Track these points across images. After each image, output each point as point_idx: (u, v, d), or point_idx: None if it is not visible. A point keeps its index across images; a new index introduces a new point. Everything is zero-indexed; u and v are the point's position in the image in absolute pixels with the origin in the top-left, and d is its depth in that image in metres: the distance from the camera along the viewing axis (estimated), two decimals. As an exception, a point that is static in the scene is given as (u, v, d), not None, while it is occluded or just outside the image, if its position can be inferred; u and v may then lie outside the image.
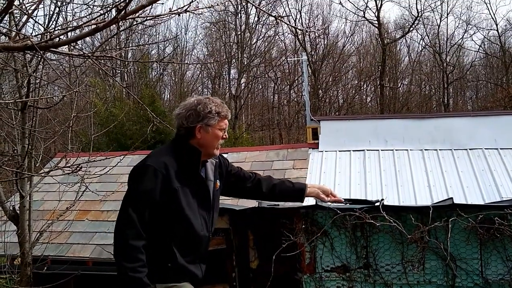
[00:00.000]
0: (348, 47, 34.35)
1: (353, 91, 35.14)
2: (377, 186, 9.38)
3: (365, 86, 35.93)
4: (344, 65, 33.94)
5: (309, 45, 31.65)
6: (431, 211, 3.07)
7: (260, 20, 30.51)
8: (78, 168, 4.63)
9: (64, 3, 4.74)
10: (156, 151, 3.01)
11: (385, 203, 3.37)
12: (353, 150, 10.39)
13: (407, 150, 10.20)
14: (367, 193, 9.17)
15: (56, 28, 3.22)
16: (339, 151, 10.44)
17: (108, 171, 8.57)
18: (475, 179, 9.25)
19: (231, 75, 32.18)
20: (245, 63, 29.84)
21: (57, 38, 1.80)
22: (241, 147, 12.99)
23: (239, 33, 30.66)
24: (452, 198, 3.03)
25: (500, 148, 9.89)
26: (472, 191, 8.94)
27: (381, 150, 10.29)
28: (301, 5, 32.90)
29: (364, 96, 36.71)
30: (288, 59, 30.82)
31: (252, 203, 4.02)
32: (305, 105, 11.86)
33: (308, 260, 3.43)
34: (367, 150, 10.34)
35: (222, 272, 4.14)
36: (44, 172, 7.28)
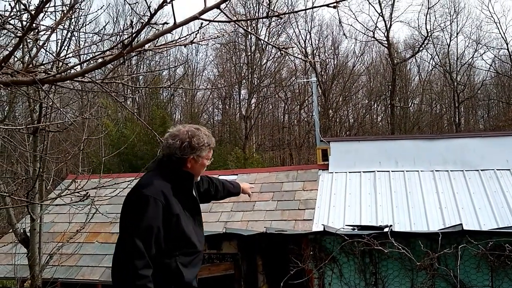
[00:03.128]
0: (358, 67, 34.41)
1: (364, 111, 35.11)
2: (387, 207, 9.30)
3: (375, 106, 35.90)
4: (354, 84, 33.95)
5: (319, 65, 31.76)
6: (440, 238, 3.03)
7: (270, 40, 30.71)
8: (86, 196, 4.64)
9: (75, 31, 4.81)
10: (147, 179, 3.06)
11: (394, 228, 3.35)
12: (363, 171, 10.35)
13: (418, 171, 10.13)
14: (378, 214, 9.10)
15: (67, 56, 3.27)
16: (349, 172, 10.40)
17: (118, 193, 8.58)
18: (487, 201, 9.14)
19: (241, 96, 32.36)
20: (255, 84, 29.99)
21: (64, 73, 1.84)
22: (251, 169, 13.00)
23: (249, 53, 30.88)
24: (461, 224, 2.99)
25: (513, 169, 9.79)
26: (485, 213, 8.82)
27: (392, 171, 10.23)
28: (311, 26, 33.08)
29: (374, 116, 36.63)
30: (297, 81, 30.90)
31: (259, 228, 3.99)
32: (315, 126, 11.86)
33: (317, 287, 3.38)
34: (378, 171, 10.29)
35: (231, 297, 4.10)
36: (53, 197, 7.31)
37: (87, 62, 2.00)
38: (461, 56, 32.76)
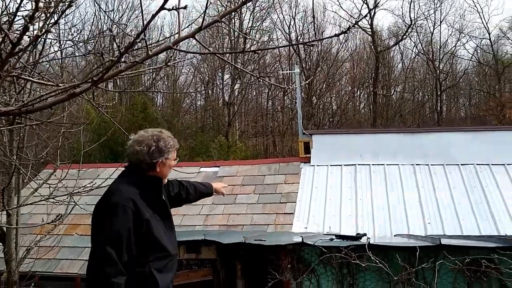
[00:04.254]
0: (342, 54, 34.41)
1: (347, 98, 35.18)
2: (367, 201, 9.34)
3: (358, 93, 36.00)
4: (337, 71, 33.96)
5: (302, 51, 31.63)
6: (417, 253, 3.03)
7: (254, 26, 30.52)
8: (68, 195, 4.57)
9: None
10: (116, 186, 3.06)
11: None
12: (345, 165, 10.37)
13: (398, 165, 10.19)
14: (358, 209, 9.14)
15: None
16: (331, 165, 10.42)
17: (100, 184, 8.40)
18: (467, 196, 9.23)
19: (224, 81, 32.16)
20: (239, 69, 29.80)
21: (32, 105, 1.78)
22: (233, 161, 12.95)
23: (232, 38, 30.63)
24: (439, 238, 2.99)
25: (492, 164, 9.89)
26: (464, 208, 8.92)
27: (372, 164, 10.28)
28: (295, 12, 32.91)
29: (357, 103, 36.76)
30: (281, 72, 30.77)
31: (238, 238, 3.97)
32: (298, 119, 11.84)
33: (295, 297, 3.37)
34: (358, 164, 10.32)
35: (209, 303, 4.09)
36: (31, 192, 7.19)
37: (55, 93, 1.93)
38: (444, 45, 33.01)
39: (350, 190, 9.67)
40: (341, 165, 10.39)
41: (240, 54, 29.96)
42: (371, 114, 31.98)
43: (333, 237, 3.48)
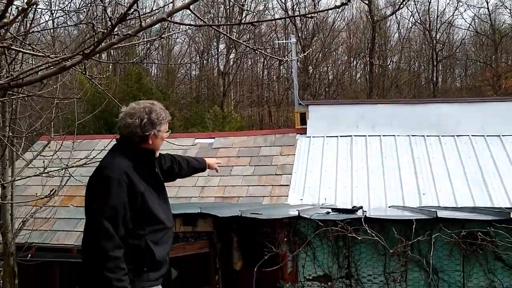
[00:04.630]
0: (338, 23, 34.03)
1: (343, 68, 34.96)
2: (363, 172, 9.37)
3: (354, 63, 35.76)
4: (334, 41, 33.64)
5: (298, 21, 31.25)
6: (414, 226, 3.03)
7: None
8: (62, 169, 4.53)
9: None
10: (109, 160, 3.04)
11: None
12: (340, 136, 10.36)
13: (394, 136, 10.18)
14: (353, 180, 9.17)
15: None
16: (327, 136, 10.40)
17: (95, 155, 8.30)
18: (461, 166, 9.27)
19: (219, 51, 31.83)
20: (235, 41, 29.49)
21: (21, 79, 1.72)
22: (228, 132, 12.90)
23: (227, 7, 30.20)
24: (436, 211, 2.99)
25: (487, 135, 9.90)
26: (458, 179, 8.96)
27: (368, 135, 10.26)
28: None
29: (353, 73, 36.55)
30: (276, 41, 30.42)
31: (234, 212, 3.96)
32: (294, 90, 11.75)
33: (290, 269, 3.40)
34: (354, 136, 10.31)
35: (206, 275, 4.11)
36: (25, 163, 7.16)
37: (46, 66, 1.87)
38: (441, 14, 32.66)
39: (345, 162, 9.68)
40: (337, 136, 10.37)
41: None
42: (367, 84, 31.82)
43: (329, 210, 3.48)
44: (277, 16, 32.09)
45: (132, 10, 1.38)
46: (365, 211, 3.22)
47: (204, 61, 32.88)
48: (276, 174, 9.35)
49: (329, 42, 32.86)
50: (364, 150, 9.94)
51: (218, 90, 29.33)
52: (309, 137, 10.46)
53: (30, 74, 1.81)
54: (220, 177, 9.16)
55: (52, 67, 1.82)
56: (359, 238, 3.12)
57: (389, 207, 8.02)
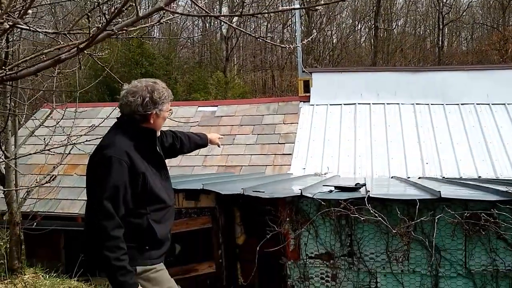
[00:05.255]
0: (343, -15, 33.23)
1: (347, 31, 34.44)
2: (366, 141, 9.35)
3: (359, 27, 35.22)
4: (338, 4, 32.97)
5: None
6: (417, 206, 3.02)
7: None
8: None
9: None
10: (109, 139, 3.00)
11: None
12: (344, 104, 10.29)
13: (398, 104, 10.11)
14: (357, 149, 9.15)
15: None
16: (330, 104, 10.33)
17: (99, 123, 8.23)
18: (465, 136, 9.23)
19: (222, 13, 31.26)
20: (237, 1, 28.97)
21: (15, 72, 1.67)
22: (231, 100, 12.81)
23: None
24: (440, 191, 2.97)
25: (492, 104, 9.82)
26: (462, 148, 8.93)
27: (373, 104, 10.19)
28: None
29: (358, 37, 36.03)
30: (280, 8, 29.76)
31: (237, 189, 3.95)
32: (297, 56, 11.60)
33: (293, 247, 3.41)
34: (358, 104, 10.24)
35: (208, 250, 4.14)
36: (28, 133, 7.14)
37: (40, 57, 1.82)
38: (448, -25, 31.90)
39: (349, 130, 9.64)
40: (340, 104, 10.31)
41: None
42: (371, 49, 31.40)
43: (332, 188, 3.47)
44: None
45: (127, 5, 1.32)
46: (369, 191, 3.20)
47: (207, 25, 32.41)
48: (279, 143, 9.34)
49: (333, 5, 32.22)
50: (368, 118, 9.88)
51: (221, 55, 28.97)
52: (313, 105, 10.39)
53: (26, 67, 1.76)
54: (223, 146, 9.15)
55: (44, 57, 1.77)
56: (362, 218, 3.11)
57: (391, 177, 8.02)
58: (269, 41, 2.31)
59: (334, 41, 34.29)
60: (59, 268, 7.46)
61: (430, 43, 34.77)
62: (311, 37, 19.08)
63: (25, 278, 6.84)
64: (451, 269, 3.23)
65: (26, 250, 8.75)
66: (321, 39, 32.78)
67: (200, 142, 3.91)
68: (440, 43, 32.26)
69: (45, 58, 1.82)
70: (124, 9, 1.35)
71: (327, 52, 32.82)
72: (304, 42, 2.48)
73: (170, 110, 3.18)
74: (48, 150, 3.47)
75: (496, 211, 2.94)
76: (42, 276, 6.99)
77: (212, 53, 30.82)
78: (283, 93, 28.82)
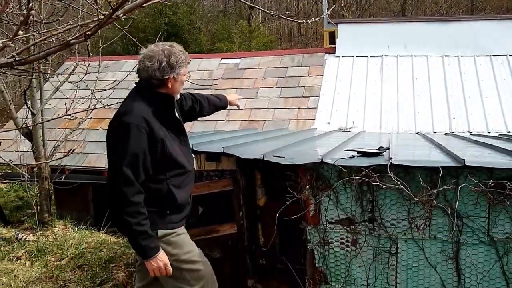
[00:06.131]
0: None
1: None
2: (393, 95, 9.16)
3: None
4: None
5: None
6: (440, 175, 2.97)
7: None
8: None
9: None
10: (128, 106, 2.98)
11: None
12: (371, 56, 10.03)
13: (426, 56, 9.80)
14: (383, 103, 8.99)
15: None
16: (356, 56, 10.09)
17: (123, 78, 8.19)
18: (496, 89, 8.95)
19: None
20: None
21: (24, 57, 1.64)
22: (255, 52, 12.62)
23: None
24: (464, 159, 2.91)
25: (526, 55, 9.44)
26: (491, 102, 8.69)
27: (400, 56, 9.91)
28: None
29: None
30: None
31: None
32: (323, 7, 11.26)
33: (313, 212, 3.41)
34: (385, 56, 9.97)
35: (229, 212, 4.18)
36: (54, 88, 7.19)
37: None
38: None
39: (375, 84, 9.45)
40: (367, 56, 10.06)
41: None
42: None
43: (354, 153, 3.42)
44: None
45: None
46: (391, 157, 3.14)
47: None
48: (303, 96, 9.23)
49: None
50: (395, 71, 9.64)
51: (245, 3, 28.32)
52: (338, 57, 10.17)
53: (36, 53, 1.73)
54: (246, 99, 9.11)
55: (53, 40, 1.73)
56: (384, 186, 3.07)
57: (417, 133, 7.90)
58: (286, 18, 2.21)
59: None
60: (88, 220, 7.69)
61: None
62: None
63: (55, 230, 7.08)
64: (473, 236, 3.20)
65: (55, 203, 9.04)
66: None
67: (219, 104, 3.88)
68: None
69: (54, 42, 1.80)
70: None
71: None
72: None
73: (188, 73, 3.13)
74: (70, 115, 3.43)
75: (522, 181, 2.87)
76: (72, 228, 7.23)
77: (236, 1, 30.18)
78: (309, 41, 28.29)
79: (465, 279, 3.25)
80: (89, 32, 1.48)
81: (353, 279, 3.46)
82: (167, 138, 2.98)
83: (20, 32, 1.36)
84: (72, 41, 1.62)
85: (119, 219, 2.88)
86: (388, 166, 3.06)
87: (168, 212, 3.03)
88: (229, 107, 4.09)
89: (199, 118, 3.90)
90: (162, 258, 2.91)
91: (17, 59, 1.62)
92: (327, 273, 3.49)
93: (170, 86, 3.01)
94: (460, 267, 3.24)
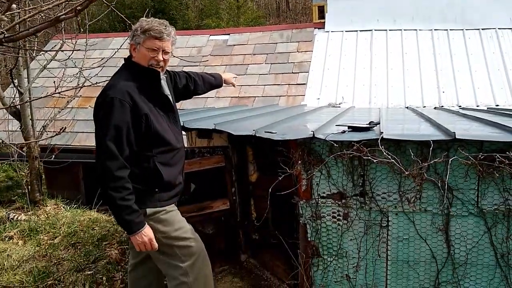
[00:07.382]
0: None
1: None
2: (382, 69, 9.17)
3: None
4: None
5: None
6: (431, 148, 3.00)
7: None
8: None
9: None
10: (113, 81, 2.97)
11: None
12: (360, 31, 10.00)
13: (415, 30, 9.79)
14: (372, 77, 9.00)
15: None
16: (346, 31, 10.05)
17: (110, 55, 8.13)
18: (484, 63, 8.99)
19: None
20: None
21: (13, 34, 1.61)
22: (244, 28, 12.49)
23: None
24: (454, 132, 2.94)
25: (515, 28, 9.47)
26: (480, 76, 8.73)
27: (389, 30, 9.89)
28: None
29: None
30: None
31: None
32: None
33: (305, 187, 3.44)
34: (375, 30, 9.94)
35: (222, 188, 4.20)
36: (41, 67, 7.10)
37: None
38: None
39: (365, 58, 9.44)
40: (356, 31, 10.03)
41: None
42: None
43: (345, 128, 3.43)
44: None
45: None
46: (382, 132, 3.16)
47: None
48: (292, 72, 9.21)
49: None
50: (384, 45, 9.64)
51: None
52: (328, 32, 10.13)
53: (25, 29, 1.70)
54: (236, 76, 9.04)
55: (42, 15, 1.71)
56: (375, 160, 3.10)
57: (406, 107, 7.94)
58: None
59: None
60: (79, 199, 7.67)
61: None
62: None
63: (47, 210, 7.06)
64: (462, 208, 3.25)
65: (46, 182, 9.00)
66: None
67: (214, 82, 3.87)
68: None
69: (41, 18, 1.77)
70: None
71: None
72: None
73: (154, 50, 2.99)
74: (59, 93, 3.40)
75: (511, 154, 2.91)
76: (63, 207, 7.21)
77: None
78: (298, 16, 28.07)
79: (455, 250, 3.31)
80: (79, 7, 1.47)
81: (344, 252, 3.50)
82: (153, 114, 2.96)
83: (14, 6, 1.33)
84: (62, 16, 1.60)
85: (103, 194, 2.86)
86: (379, 141, 3.08)
87: (156, 190, 3.01)
88: (224, 85, 4.09)
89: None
90: (147, 233, 2.91)
91: (6, 35, 1.60)
92: (319, 246, 3.53)
93: (133, 55, 3.03)
94: (450, 238, 3.30)
